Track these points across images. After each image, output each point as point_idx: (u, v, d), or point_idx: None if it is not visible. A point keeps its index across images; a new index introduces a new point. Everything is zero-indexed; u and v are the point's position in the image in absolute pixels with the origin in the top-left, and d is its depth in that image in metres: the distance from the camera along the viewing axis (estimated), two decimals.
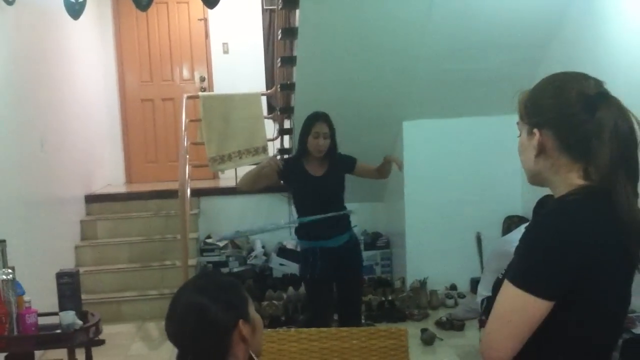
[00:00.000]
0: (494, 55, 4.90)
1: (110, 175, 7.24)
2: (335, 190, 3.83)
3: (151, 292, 5.50)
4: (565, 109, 1.37)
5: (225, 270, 5.94)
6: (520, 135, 1.47)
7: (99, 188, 6.71)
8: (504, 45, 4.84)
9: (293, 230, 3.94)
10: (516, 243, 3.38)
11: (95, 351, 4.32)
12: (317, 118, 3.81)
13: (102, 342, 4.74)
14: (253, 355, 1.56)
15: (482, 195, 5.56)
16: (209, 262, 5.98)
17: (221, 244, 6.05)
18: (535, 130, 1.40)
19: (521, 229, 3.66)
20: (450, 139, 5.52)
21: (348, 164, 3.93)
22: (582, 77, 1.41)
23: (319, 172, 3.79)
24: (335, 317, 3.99)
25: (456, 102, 5.31)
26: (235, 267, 5.96)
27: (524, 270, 1.34)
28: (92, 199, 6.31)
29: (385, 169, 4.04)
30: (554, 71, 1.49)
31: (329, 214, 3.70)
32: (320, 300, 3.79)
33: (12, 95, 4.49)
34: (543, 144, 1.40)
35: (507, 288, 1.34)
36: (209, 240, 6.13)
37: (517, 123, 1.48)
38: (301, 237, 3.85)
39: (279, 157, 3.89)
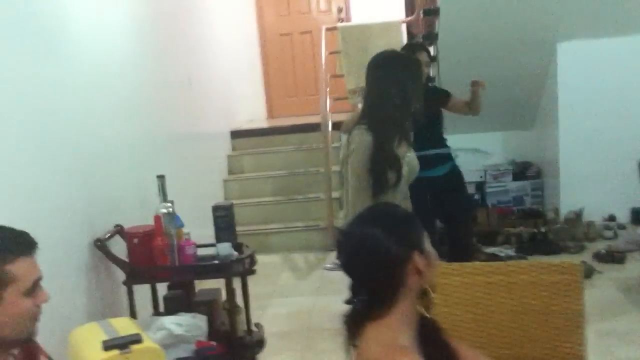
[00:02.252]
0: None
1: (252, 111, 7.38)
2: (432, 119, 3.77)
3: (296, 224, 5.61)
4: None
5: None
6: None
7: (242, 124, 6.86)
8: None
9: None
10: None
11: (248, 280, 4.52)
12: (417, 47, 3.88)
13: (253, 271, 4.94)
14: (428, 289, 1.50)
15: None
16: None
17: None
18: None
19: None
20: (609, 60, 5.06)
21: (442, 97, 3.97)
22: None
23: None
24: None
25: (615, 18, 4.84)
26: None
27: None
28: (236, 135, 6.47)
29: (475, 101, 3.97)
30: None
31: (429, 151, 3.66)
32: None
33: (161, 36, 4.59)
34: None
35: None
36: None
37: None
38: None
39: None
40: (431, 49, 5.74)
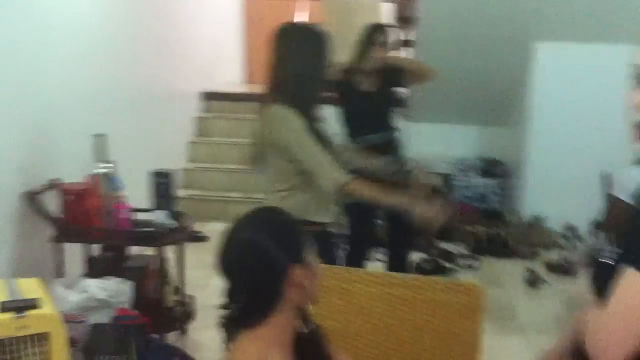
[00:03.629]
0: None
1: (231, 74, 7.24)
2: (386, 107, 3.63)
3: (257, 195, 5.51)
4: None
5: None
6: None
7: (218, 86, 6.72)
8: None
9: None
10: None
11: (199, 247, 4.45)
12: (380, 28, 3.60)
13: (205, 238, 4.88)
14: (306, 303, 1.43)
15: (616, 132, 4.98)
16: None
17: None
18: None
19: None
20: (587, 66, 4.94)
21: (397, 74, 3.66)
22: None
23: (372, 87, 3.57)
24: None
25: (598, 24, 4.69)
26: None
27: None
28: (210, 97, 6.34)
29: (418, 67, 3.72)
30: None
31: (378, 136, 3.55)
32: (357, 221, 3.61)
33: None
34: None
35: (636, 278, 1.11)
36: None
37: None
38: None
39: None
40: (411, 34, 5.64)
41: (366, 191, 2.31)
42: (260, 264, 1.39)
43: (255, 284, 1.40)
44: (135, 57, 4.53)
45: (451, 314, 1.79)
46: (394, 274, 1.98)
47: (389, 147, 3.60)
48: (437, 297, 1.80)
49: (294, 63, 2.31)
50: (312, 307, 1.48)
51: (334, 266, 1.92)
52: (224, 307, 1.44)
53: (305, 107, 2.30)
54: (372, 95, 3.57)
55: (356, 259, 3.59)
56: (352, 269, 1.90)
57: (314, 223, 2.45)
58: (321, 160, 2.29)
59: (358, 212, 3.58)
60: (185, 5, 5.65)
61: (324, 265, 1.90)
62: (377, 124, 3.59)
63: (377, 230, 3.98)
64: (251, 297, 1.41)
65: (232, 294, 1.44)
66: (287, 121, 2.31)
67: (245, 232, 1.44)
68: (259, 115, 2.40)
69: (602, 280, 1.21)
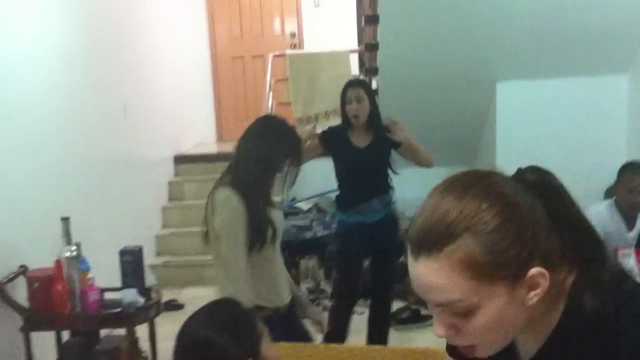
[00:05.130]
0: (597, 12, 4.37)
1: (202, 134, 7.29)
2: (379, 163, 3.63)
3: None
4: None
5: (309, 234, 5.84)
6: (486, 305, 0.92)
7: (190, 147, 6.76)
8: (611, 1, 4.31)
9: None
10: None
11: (174, 315, 4.41)
12: (350, 84, 3.67)
13: (181, 306, 4.85)
14: None
15: (581, 164, 5.04)
16: (293, 226, 5.90)
17: (305, 207, 5.97)
18: (535, 270, 0.94)
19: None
20: (547, 101, 5.04)
21: (391, 147, 3.66)
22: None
23: (362, 143, 3.60)
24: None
25: (554, 61, 4.82)
26: (320, 232, 5.84)
27: None
28: (180, 160, 6.36)
29: (415, 153, 3.67)
30: None
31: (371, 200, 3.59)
32: (346, 275, 3.69)
33: (92, 59, 4.45)
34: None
35: None
36: (293, 204, 6.06)
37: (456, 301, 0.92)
38: (339, 207, 3.72)
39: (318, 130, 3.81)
40: (373, 83, 5.73)
41: None
42: (206, 359, 1.39)
43: None
44: (100, 125, 4.54)
45: None
46: (353, 346, 1.98)
47: (386, 222, 3.65)
48: None
49: (250, 150, 2.39)
50: None
51: (293, 343, 1.91)
52: None
53: (249, 191, 2.32)
54: (363, 150, 3.59)
55: (343, 312, 3.65)
56: (310, 344, 1.89)
57: (266, 308, 2.37)
58: (235, 271, 2.28)
59: (346, 263, 3.68)
60: (150, 66, 5.69)
61: (283, 344, 1.91)
62: (369, 179, 3.59)
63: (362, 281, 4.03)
64: None
65: None
66: (224, 209, 2.31)
67: (196, 329, 1.44)
68: (208, 197, 2.41)
69: None
